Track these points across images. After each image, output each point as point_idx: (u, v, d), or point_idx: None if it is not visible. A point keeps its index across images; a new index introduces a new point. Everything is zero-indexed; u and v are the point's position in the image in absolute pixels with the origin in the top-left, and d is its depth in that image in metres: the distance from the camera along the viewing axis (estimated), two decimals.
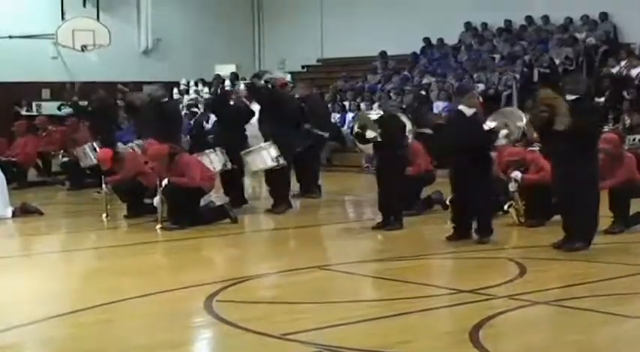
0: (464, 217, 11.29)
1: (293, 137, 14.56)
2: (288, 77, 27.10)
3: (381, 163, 12.41)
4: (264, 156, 14.04)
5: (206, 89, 27.83)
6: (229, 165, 14.28)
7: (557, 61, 22.55)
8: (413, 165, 13.56)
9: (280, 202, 14.32)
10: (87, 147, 17.34)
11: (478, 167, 11.05)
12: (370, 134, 12.22)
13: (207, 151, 14.29)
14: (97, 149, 16.61)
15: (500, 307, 7.98)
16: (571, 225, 10.47)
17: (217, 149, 14.31)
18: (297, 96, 16.32)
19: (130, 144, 16.17)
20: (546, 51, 23.08)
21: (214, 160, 14.10)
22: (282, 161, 13.97)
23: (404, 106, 20.93)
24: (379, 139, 12.20)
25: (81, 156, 17.41)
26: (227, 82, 27.77)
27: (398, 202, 12.44)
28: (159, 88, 15.93)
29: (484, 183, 11.11)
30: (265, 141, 14.20)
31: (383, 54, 26.54)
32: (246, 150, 14.26)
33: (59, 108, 26.98)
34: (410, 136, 13.34)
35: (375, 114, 13.19)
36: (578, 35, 23.20)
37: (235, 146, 14.36)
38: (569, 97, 10.43)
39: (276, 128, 14.18)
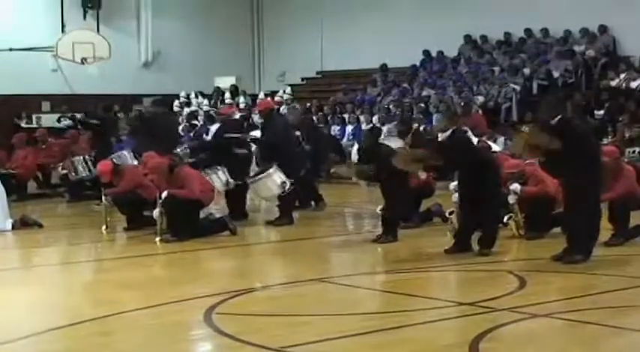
0: (465, 230, 11.26)
1: (295, 160, 14.59)
2: (288, 89, 27.26)
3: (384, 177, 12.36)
4: (270, 184, 13.98)
5: (205, 101, 27.86)
6: (232, 184, 14.24)
7: (556, 74, 22.59)
8: (412, 177, 13.54)
9: (283, 216, 14.32)
10: (76, 161, 17.19)
11: (483, 179, 11.02)
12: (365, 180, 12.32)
13: (208, 171, 14.22)
14: (89, 163, 16.54)
15: (500, 320, 7.95)
16: (572, 237, 10.47)
17: (219, 168, 14.24)
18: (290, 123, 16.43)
19: (121, 152, 16.02)
20: (546, 63, 23.11)
21: (215, 181, 14.04)
22: (288, 185, 13.94)
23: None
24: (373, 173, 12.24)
25: (69, 169, 17.27)
26: (227, 95, 27.81)
27: (393, 215, 12.40)
28: (154, 105, 15.95)
29: (490, 195, 11.08)
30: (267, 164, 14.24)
31: (383, 66, 26.57)
32: (253, 179, 14.21)
33: (58, 121, 27.00)
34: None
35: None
36: (577, 48, 23.24)
37: (240, 164, 14.37)
38: (551, 123, 10.43)
39: (277, 154, 14.20)
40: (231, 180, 14.21)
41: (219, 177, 14.14)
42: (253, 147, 15.16)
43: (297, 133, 15.95)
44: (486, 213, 11.08)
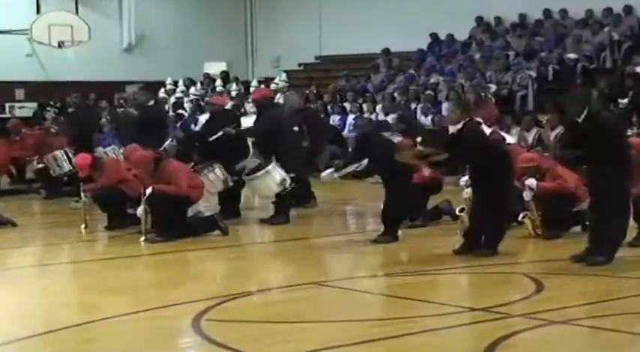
0: (474, 229, 11.28)
1: (293, 152, 14.59)
2: (284, 76, 27.26)
3: (384, 173, 12.38)
4: (269, 182, 13.98)
5: (193, 89, 27.84)
6: (230, 182, 14.24)
7: (576, 59, 22.59)
8: (417, 172, 13.56)
9: (279, 214, 14.33)
10: (58, 154, 17.26)
11: (497, 174, 11.03)
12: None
13: (204, 171, 14.17)
14: (71, 156, 16.57)
15: (515, 326, 7.98)
16: (596, 236, 10.48)
17: (215, 166, 14.17)
18: (287, 107, 16.43)
19: (109, 149, 16.17)
20: (564, 47, 23.12)
21: (215, 180, 14.02)
22: (287, 183, 13.94)
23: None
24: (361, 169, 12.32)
25: (51, 164, 17.33)
26: (218, 82, 27.82)
27: (393, 212, 12.42)
28: (142, 91, 15.97)
29: (495, 193, 11.08)
30: (265, 158, 14.21)
31: (386, 51, 26.57)
32: (251, 176, 14.18)
33: (42, 109, 26.99)
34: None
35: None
36: (599, 30, 23.24)
37: (234, 158, 14.38)
38: (577, 119, 10.44)
39: (273, 146, 14.19)
40: (229, 177, 14.18)
41: (218, 176, 14.09)
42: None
43: (296, 129, 15.80)
44: (496, 212, 11.08)
